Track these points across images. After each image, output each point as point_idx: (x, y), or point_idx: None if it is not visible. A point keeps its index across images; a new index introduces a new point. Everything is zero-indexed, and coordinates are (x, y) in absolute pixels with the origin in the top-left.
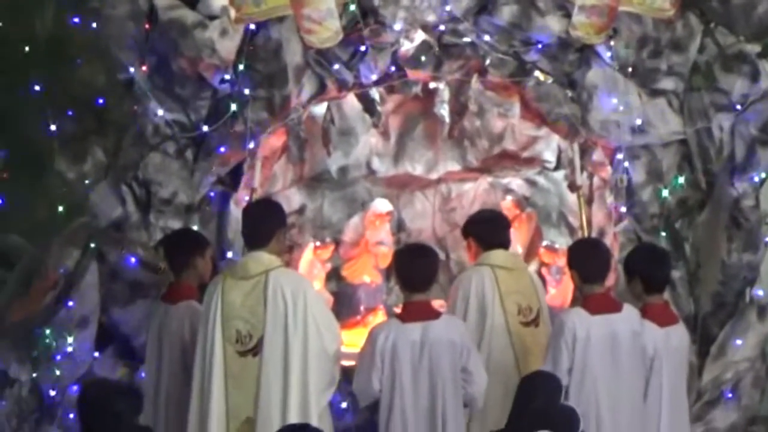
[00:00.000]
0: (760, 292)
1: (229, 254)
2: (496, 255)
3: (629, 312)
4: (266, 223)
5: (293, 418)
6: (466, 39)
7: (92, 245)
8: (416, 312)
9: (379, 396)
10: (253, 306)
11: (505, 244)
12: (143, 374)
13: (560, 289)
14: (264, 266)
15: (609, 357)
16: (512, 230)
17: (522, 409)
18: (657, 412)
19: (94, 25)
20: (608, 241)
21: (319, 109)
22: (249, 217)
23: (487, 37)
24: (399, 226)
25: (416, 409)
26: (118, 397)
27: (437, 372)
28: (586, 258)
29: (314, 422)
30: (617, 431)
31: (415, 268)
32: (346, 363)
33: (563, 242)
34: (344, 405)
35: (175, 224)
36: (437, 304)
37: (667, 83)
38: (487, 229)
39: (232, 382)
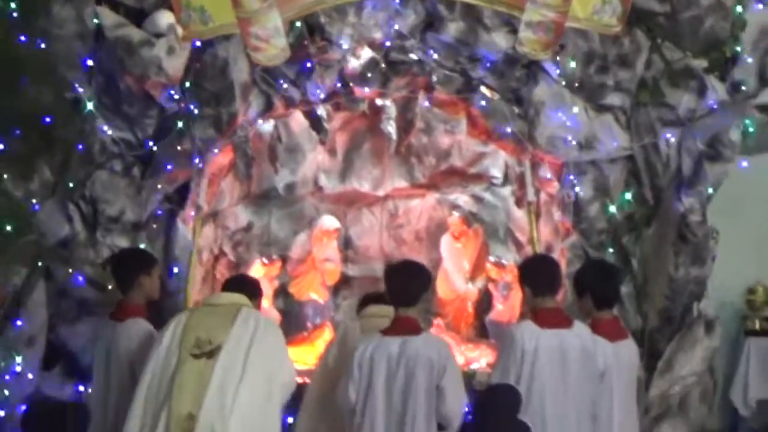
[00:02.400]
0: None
1: (176, 270)
2: None
3: (580, 328)
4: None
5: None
6: (413, 56)
7: (40, 263)
8: (399, 327)
9: (353, 407)
10: (221, 322)
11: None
12: (90, 391)
13: (507, 304)
14: (237, 299)
15: (558, 371)
16: (459, 247)
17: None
18: (608, 426)
19: (42, 44)
20: (555, 256)
21: (266, 126)
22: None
23: (433, 54)
24: (346, 243)
25: (387, 422)
26: (63, 415)
27: (411, 386)
28: (537, 272)
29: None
30: None
31: (402, 283)
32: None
33: (510, 258)
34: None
35: (123, 242)
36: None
37: (614, 99)
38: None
39: (178, 381)
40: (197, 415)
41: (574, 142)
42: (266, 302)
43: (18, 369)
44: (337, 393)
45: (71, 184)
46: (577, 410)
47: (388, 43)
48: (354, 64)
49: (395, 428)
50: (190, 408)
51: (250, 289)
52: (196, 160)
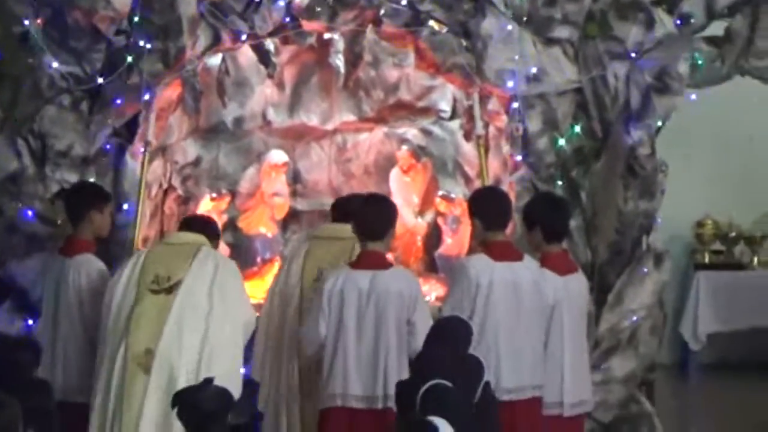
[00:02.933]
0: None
1: (125, 206)
2: None
3: (529, 261)
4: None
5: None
6: None
7: None
8: (367, 261)
9: (324, 342)
10: (179, 258)
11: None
12: (38, 327)
13: (456, 238)
14: (196, 239)
15: (512, 305)
16: (408, 181)
17: (427, 356)
18: (559, 359)
19: None
20: (504, 190)
21: (214, 60)
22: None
23: None
24: (295, 177)
25: (359, 357)
26: (15, 349)
27: (382, 322)
28: (488, 206)
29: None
30: (518, 380)
31: (371, 216)
32: None
33: (459, 192)
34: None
35: (72, 177)
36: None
37: (562, 32)
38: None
39: (136, 316)
40: (155, 350)
41: (522, 76)
42: None
43: None
44: (304, 327)
45: (19, 119)
46: (531, 344)
47: None
48: None
49: (367, 363)
50: (147, 343)
51: (210, 230)
52: (145, 95)
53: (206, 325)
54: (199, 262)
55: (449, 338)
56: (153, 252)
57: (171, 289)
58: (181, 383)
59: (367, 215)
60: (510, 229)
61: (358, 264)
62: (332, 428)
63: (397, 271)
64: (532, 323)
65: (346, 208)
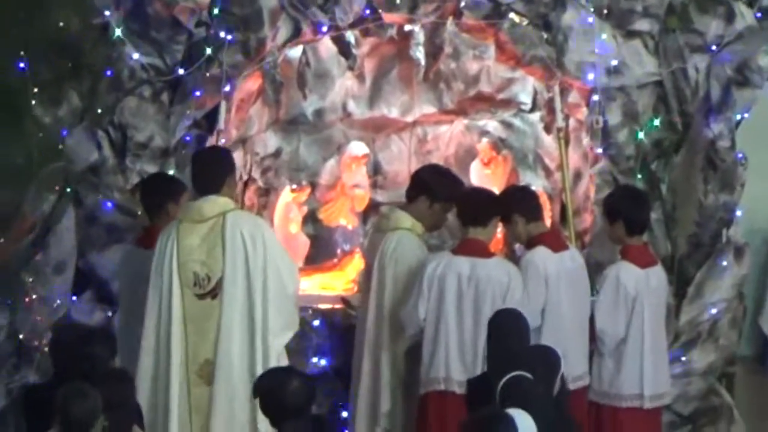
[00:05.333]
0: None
1: None
2: None
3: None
4: (217, 168)
5: (256, 360)
6: None
7: (68, 189)
8: (469, 247)
9: (423, 325)
10: (211, 248)
11: None
12: (117, 318)
13: None
14: (220, 208)
15: (571, 293)
16: (488, 173)
17: (496, 351)
18: (639, 352)
19: None
20: (584, 182)
21: (295, 52)
22: (197, 165)
23: None
24: (375, 169)
25: (460, 342)
26: (90, 340)
27: (481, 309)
28: (525, 200)
29: (273, 363)
30: (579, 366)
31: (475, 204)
32: (323, 306)
33: (539, 184)
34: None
35: (151, 168)
36: None
37: (643, 24)
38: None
39: (191, 327)
40: (214, 360)
41: (602, 68)
42: (295, 227)
43: (46, 294)
44: (402, 311)
45: (100, 111)
46: (582, 331)
47: None
48: None
49: (469, 348)
50: (205, 354)
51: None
52: (225, 87)
53: (257, 324)
54: (229, 249)
55: (515, 332)
56: (183, 240)
57: (215, 294)
58: (244, 390)
59: (472, 202)
60: (590, 221)
61: (459, 250)
62: (434, 413)
63: (499, 260)
64: (583, 313)
65: (421, 181)
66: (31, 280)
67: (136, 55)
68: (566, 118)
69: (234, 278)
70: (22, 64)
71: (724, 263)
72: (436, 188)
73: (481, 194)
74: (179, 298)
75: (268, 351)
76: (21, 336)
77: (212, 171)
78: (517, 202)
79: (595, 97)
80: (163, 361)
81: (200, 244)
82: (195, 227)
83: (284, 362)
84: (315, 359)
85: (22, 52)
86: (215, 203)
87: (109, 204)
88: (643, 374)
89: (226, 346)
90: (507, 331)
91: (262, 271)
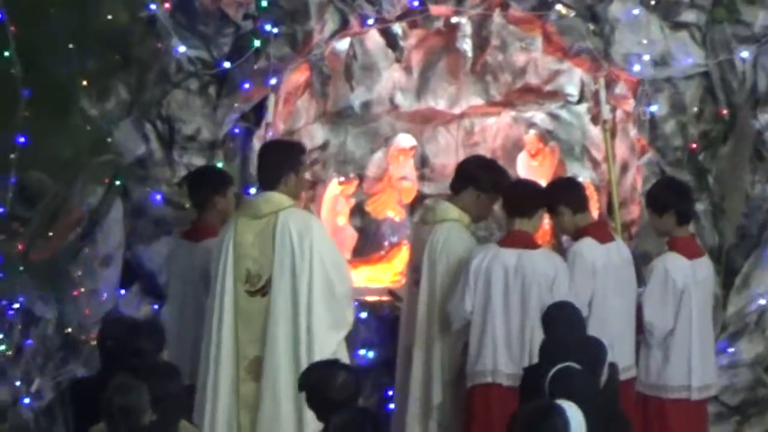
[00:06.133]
0: None
1: (252, 191)
2: None
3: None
4: (277, 165)
5: (301, 358)
6: None
7: (117, 182)
8: (515, 239)
9: (470, 318)
10: (263, 246)
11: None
12: (165, 311)
13: None
14: (275, 206)
15: (619, 285)
16: (535, 165)
17: (549, 342)
18: (687, 342)
19: None
20: (631, 174)
21: (342, 44)
22: (261, 158)
23: None
24: (422, 161)
25: (507, 334)
26: (138, 334)
27: (527, 300)
28: (570, 191)
29: None
30: (625, 357)
31: (521, 195)
32: (370, 298)
33: (587, 176)
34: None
35: (199, 161)
36: None
37: (689, 16)
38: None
39: (241, 322)
40: (263, 357)
41: (649, 60)
42: (343, 219)
43: (94, 287)
44: (448, 303)
45: (147, 103)
46: (629, 323)
47: None
48: None
49: (516, 338)
50: (254, 351)
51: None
52: (272, 79)
53: (301, 322)
54: (279, 245)
55: (567, 323)
56: (240, 235)
57: (264, 292)
58: (291, 387)
59: (518, 193)
60: (637, 213)
61: (505, 242)
62: (482, 405)
63: (545, 252)
64: (630, 304)
65: (467, 172)
66: (78, 273)
67: (182, 48)
68: (613, 109)
69: (281, 277)
70: (70, 58)
71: None
72: (481, 179)
73: (527, 186)
74: (232, 293)
75: (313, 348)
76: (69, 329)
77: (272, 166)
78: (562, 193)
79: (642, 89)
80: (213, 355)
81: (254, 242)
82: (251, 223)
83: (344, 358)
84: (362, 351)
85: (70, 45)
86: (271, 201)
87: (158, 196)
88: (691, 366)
89: (272, 344)
90: (561, 323)
91: (308, 270)
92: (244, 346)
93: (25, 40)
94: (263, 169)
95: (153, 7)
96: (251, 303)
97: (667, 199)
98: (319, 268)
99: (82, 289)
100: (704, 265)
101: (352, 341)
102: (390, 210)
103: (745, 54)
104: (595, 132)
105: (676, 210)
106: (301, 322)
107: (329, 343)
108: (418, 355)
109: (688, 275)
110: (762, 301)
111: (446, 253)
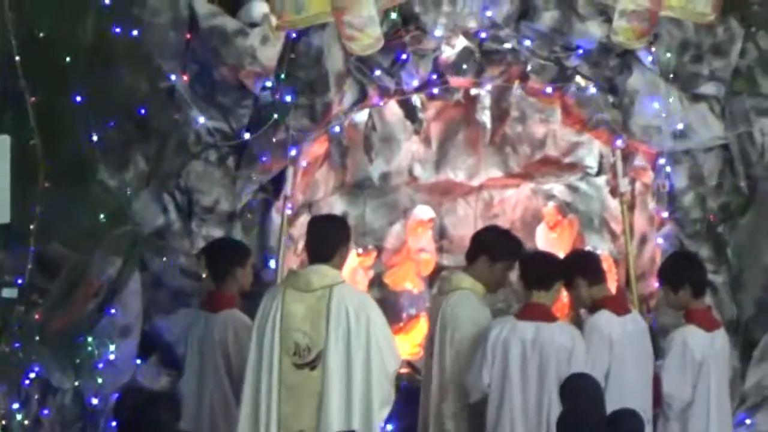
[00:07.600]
0: None
1: (271, 263)
2: None
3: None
4: (331, 238)
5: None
6: (507, 45)
7: (135, 253)
8: (533, 312)
9: (487, 391)
10: (315, 320)
11: None
12: (183, 382)
13: None
14: (328, 280)
15: (634, 357)
16: (554, 237)
17: (566, 414)
18: (705, 415)
19: (136, 33)
20: (650, 246)
21: (361, 116)
22: (315, 230)
23: (528, 43)
24: (441, 233)
25: (525, 407)
26: (156, 405)
27: (545, 373)
28: (587, 263)
29: None
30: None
31: (538, 268)
32: None
33: (605, 248)
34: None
35: (217, 232)
36: None
37: (709, 88)
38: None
39: (285, 394)
40: (318, 430)
41: (668, 132)
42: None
43: (112, 357)
44: (467, 377)
45: (166, 174)
46: (645, 394)
47: (482, 33)
48: (448, 53)
49: (534, 412)
50: (300, 425)
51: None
52: (291, 151)
53: (355, 399)
54: (333, 324)
55: (585, 394)
56: (287, 308)
57: (314, 366)
58: None
59: (535, 266)
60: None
61: (523, 314)
62: None
63: (563, 324)
64: (646, 376)
65: (480, 242)
66: (97, 343)
67: (202, 119)
68: (632, 181)
69: (335, 353)
70: (89, 129)
71: None
72: (495, 248)
73: (545, 258)
74: (278, 365)
75: (371, 426)
76: (87, 400)
77: (326, 239)
78: (578, 266)
79: (661, 161)
80: (257, 426)
81: (305, 315)
82: (301, 296)
83: None
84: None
85: (89, 116)
86: (325, 275)
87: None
88: None
89: (326, 417)
90: (579, 395)
91: (364, 347)
92: (287, 419)
93: (45, 110)
94: (318, 242)
95: (173, 77)
96: (298, 376)
97: (682, 273)
98: (375, 347)
99: (100, 360)
100: (721, 337)
101: None
102: (408, 282)
103: (764, 126)
104: (614, 204)
105: (691, 283)
106: (354, 398)
107: (381, 418)
108: (432, 424)
109: (706, 347)
110: None
111: (455, 321)
